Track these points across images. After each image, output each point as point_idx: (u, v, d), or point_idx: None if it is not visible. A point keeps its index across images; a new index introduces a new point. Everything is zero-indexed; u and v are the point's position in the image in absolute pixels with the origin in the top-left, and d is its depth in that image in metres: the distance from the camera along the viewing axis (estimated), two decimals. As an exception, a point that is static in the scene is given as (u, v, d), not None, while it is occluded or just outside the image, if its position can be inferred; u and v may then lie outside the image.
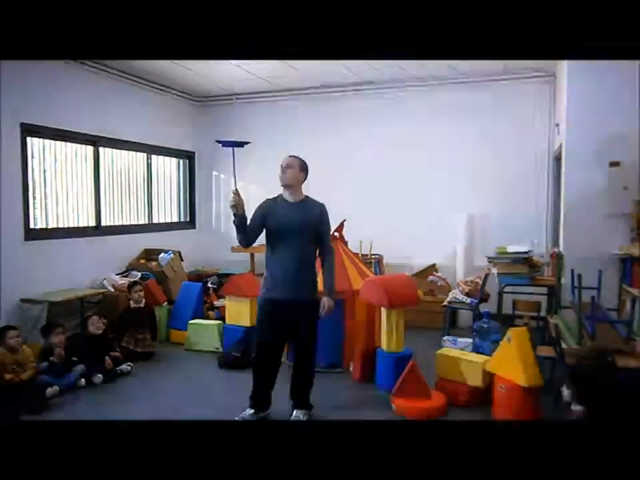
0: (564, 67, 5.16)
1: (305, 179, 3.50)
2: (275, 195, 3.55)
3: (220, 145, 3.53)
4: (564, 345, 3.82)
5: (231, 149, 3.45)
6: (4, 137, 4.88)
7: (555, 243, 5.76)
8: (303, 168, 3.47)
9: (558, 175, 5.75)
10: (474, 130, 6.50)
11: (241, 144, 3.50)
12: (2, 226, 4.84)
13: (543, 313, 5.14)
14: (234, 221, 3.34)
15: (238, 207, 3.28)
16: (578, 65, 4.88)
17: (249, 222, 3.41)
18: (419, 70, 6.26)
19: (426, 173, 6.73)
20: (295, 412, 3.56)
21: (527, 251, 5.09)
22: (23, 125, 5.10)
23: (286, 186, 3.44)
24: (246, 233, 3.38)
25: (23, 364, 4.14)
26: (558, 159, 5.71)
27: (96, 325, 4.66)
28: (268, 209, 3.44)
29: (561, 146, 5.34)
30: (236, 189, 3.29)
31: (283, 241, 3.38)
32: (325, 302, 3.43)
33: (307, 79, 6.62)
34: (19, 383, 3.99)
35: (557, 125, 5.74)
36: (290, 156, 3.48)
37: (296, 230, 3.36)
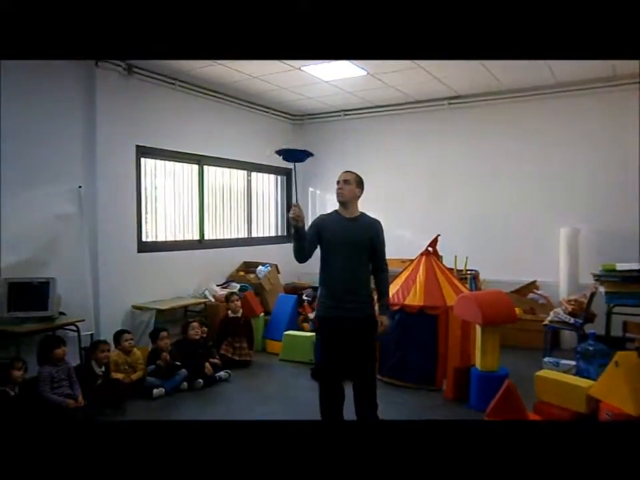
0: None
1: (360, 195, 3.40)
2: (330, 211, 3.46)
3: (280, 156, 3.31)
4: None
5: (304, 160, 3.34)
6: (122, 158, 5.38)
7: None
8: (360, 183, 3.38)
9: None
10: (577, 141, 6.15)
11: (302, 157, 3.36)
12: (119, 239, 5.33)
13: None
14: (293, 234, 3.25)
15: (298, 219, 3.15)
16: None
17: None
18: (513, 80, 6.07)
19: (527, 185, 6.47)
20: None
21: (639, 269, 4.70)
22: (138, 147, 5.60)
23: (342, 202, 3.35)
24: (304, 248, 3.27)
25: (133, 365, 4.53)
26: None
27: (195, 330, 4.96)
28: (323, 225, 3.34)
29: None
30: (297, 202, 3.21)
31: (337, 258, 3.28)
32: (382, 320, 3.33)
33: (407, 95, 6.67)
34: (130, 383, 4.35)
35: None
36: (346, 171, 3.38)
37: (351, 246, 3.27)
